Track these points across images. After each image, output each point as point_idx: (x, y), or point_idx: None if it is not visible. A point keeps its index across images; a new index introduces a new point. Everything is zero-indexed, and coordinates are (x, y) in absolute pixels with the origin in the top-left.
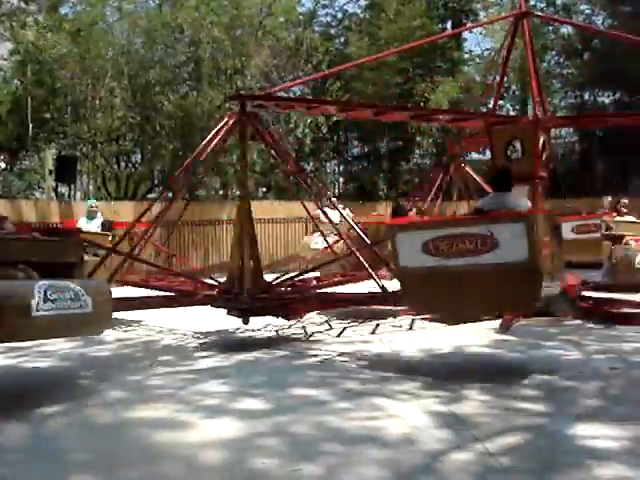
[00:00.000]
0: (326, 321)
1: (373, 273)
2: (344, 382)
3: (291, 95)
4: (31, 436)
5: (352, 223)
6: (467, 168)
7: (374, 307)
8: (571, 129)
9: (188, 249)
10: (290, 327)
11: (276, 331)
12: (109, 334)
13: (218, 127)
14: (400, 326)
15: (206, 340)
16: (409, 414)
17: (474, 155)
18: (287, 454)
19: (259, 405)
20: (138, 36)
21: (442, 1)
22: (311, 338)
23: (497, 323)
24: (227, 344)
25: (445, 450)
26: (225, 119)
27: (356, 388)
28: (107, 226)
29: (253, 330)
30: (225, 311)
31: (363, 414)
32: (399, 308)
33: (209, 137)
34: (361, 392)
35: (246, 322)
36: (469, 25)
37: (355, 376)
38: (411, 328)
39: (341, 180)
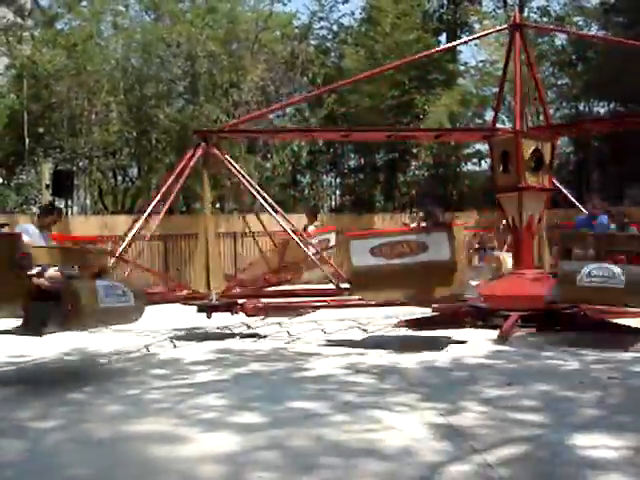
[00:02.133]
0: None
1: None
2: (342, 394)
3: (287, 110)
4: (28, 451)
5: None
6: None
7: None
8: (567, 139)
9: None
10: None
11: None
12: (104, 348)
13: (186, 159)
14: None
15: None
16: (407, 426)
17: (470, 166)
18: (285, 468)
19: (256, 419)
20: (134, 50)
21: (437, 14)
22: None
23: (495, 334)
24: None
25: (444, 462)
26: (189, 152)
27: (354, 400)
28: None
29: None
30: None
31: (361, 427)
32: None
33: (178, 168)
34: (359, 404)
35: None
36: (464, 38)
37: (353, 388)
38: None
39: (338, 193)
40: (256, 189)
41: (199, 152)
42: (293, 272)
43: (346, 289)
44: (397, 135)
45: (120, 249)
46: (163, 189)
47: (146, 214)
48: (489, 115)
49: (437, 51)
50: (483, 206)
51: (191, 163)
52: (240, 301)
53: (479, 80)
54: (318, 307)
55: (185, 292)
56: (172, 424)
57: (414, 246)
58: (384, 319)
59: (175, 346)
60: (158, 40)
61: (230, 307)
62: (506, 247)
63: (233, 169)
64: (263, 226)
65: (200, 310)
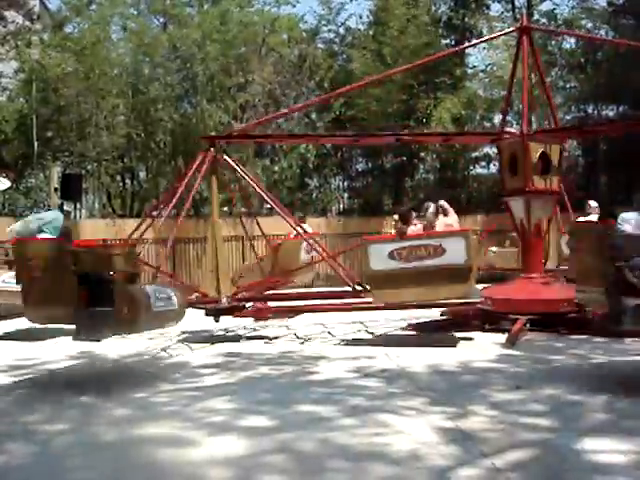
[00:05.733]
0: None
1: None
2: (350, 398)
3: (295, 113)
4: (36, 454)
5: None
6: None
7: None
8: (575, 143)
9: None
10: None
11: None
12: (112, 351)
13: (195, 165)
14: None
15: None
16: (416, 430)
17: (478, 169)
18: (293, 471)
19: (264, 422)
20: (138, 54)
21: (445, 17)
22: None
23: (503, 338)
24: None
25: (452, 466)
26: (198, 158)
27: (362, 404)
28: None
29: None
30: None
31: (369, 430)
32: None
33: (187, 174)
34: (367, 408)
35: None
36: (473, 41)
37: (361, 392)
38: None
39: (346, 196)
40: (264, 192)
41: (208, 157)
42: (284, 277)
43: (362, 291)
44: (403, 139)
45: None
46: (176, 195)
47: (161, 218)
48: (497, 118)
49: (445, 54)
50: (492, 209)
51: (199, 168)
52: (248, 305)
53: (487, 83)
54: (329, 310)
55: (195, 295)
56: (180, 427)
57: (432, 250)
58: (393, 322)
59: (182, 350)
60: (160, 43)
61: (239, 310)
62: None
63: (241, 173)
64: (261, 230)
65: (208, 314)
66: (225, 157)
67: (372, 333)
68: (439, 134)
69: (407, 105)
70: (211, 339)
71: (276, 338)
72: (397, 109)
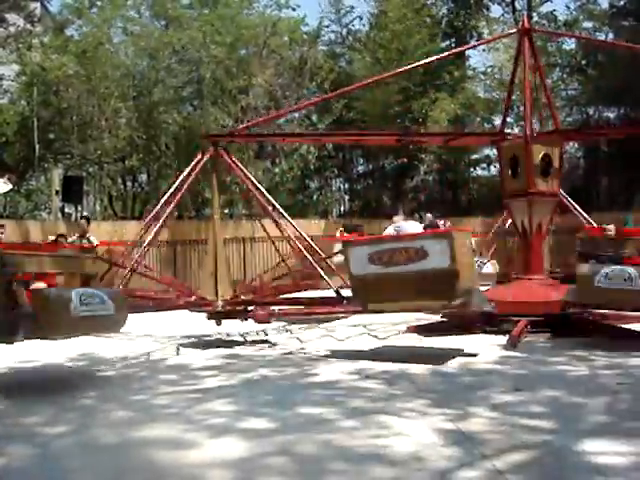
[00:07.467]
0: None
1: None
2: (350, 400)
3: (295, 115)
4: (36, 457)
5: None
6: None
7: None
8: (576, 145)
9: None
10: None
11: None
12: (112, 353)
13: (193, 163)
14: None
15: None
16: (416, 432)
17: (479, 171)
18: (293, 473)
19: (265, 424)
20: (142, 57)
21: (446, 20)
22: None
23: (504, 340)
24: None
25: (453, 468)
26: (198, 156)
27: (363, 406)
28: None
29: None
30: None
31: (370, 432)
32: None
33: (186, 172)
34: (368, 410)
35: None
36: (472, 43)
37: (361, 394)
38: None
39: (346, 197)
40: (263, 194)
41: (207, 156)
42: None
43: (347, 298)
44: (405, 139)
45: (136, 255)
46: (168, 193)
47: (162, 220)
48: (498, 120)
49: (443, 57)
50: (492, 211)
51: (197, 168)
52: (250, 308)
53: (487, 85)
54: (327, 319)
55: (194, 298)
56: (180, 429)
57: (412, 253)
58: (393, 325)
59: (182, 352)
60: (165, 46)
61: (240, 314)
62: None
63: (241, 174)
64: (266, 232)
65: (210, 317)
66: (225, 156)
67: (375, 336)
68: (440, 134)
69: (404, 106)
70: (209, 342)
71: (275, 344)
72: (396, 111)
